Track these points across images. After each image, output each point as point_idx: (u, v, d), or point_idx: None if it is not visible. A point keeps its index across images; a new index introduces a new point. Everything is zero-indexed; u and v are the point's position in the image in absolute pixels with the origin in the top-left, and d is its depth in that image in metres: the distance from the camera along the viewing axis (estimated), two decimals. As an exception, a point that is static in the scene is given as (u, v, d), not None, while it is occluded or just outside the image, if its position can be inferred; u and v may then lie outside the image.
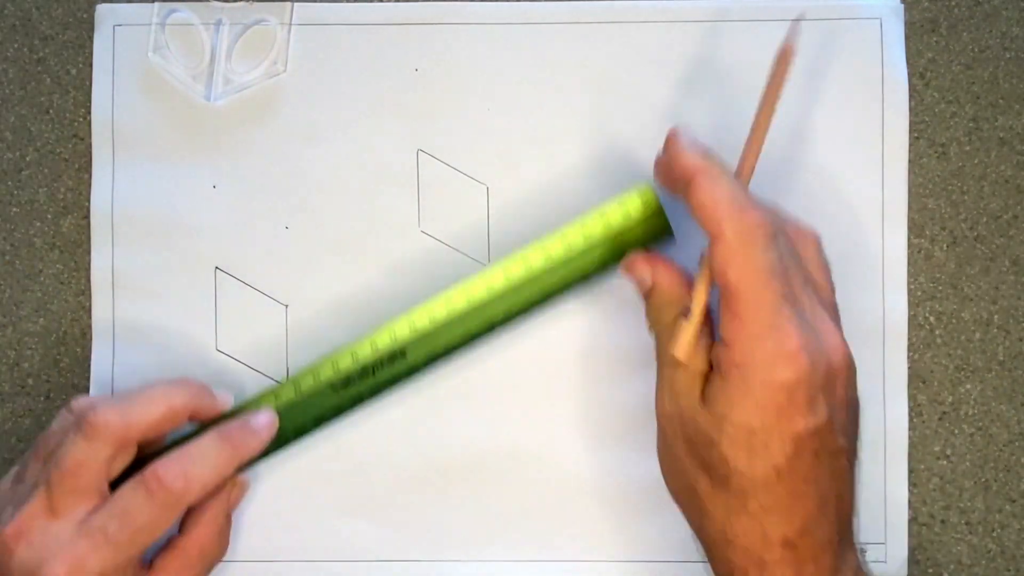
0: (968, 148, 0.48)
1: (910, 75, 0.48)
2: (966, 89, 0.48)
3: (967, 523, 0.48)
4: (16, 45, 0.49)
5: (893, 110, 0.48)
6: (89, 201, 0.48)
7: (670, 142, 0.40)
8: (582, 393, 0.47)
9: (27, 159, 0.49)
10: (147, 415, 0.40)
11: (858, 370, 0.47)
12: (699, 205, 0.38)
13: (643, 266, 0.42)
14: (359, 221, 0.48)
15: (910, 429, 0.48)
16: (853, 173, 0.48)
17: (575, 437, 0.47)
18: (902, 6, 0.48)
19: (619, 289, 0.47)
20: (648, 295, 0.42)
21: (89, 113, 0.48)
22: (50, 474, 0.39)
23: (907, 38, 0.48)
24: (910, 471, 0.48)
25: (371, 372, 0.44)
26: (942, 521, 0.48)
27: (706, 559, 0.41)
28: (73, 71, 0.49)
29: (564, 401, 0.47)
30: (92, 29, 0.49)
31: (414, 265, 0.48)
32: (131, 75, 0.48)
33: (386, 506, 0.47)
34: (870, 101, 0.48)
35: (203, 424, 0.43)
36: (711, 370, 0.39)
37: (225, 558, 0.47)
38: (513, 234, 0.48)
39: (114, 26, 0.48)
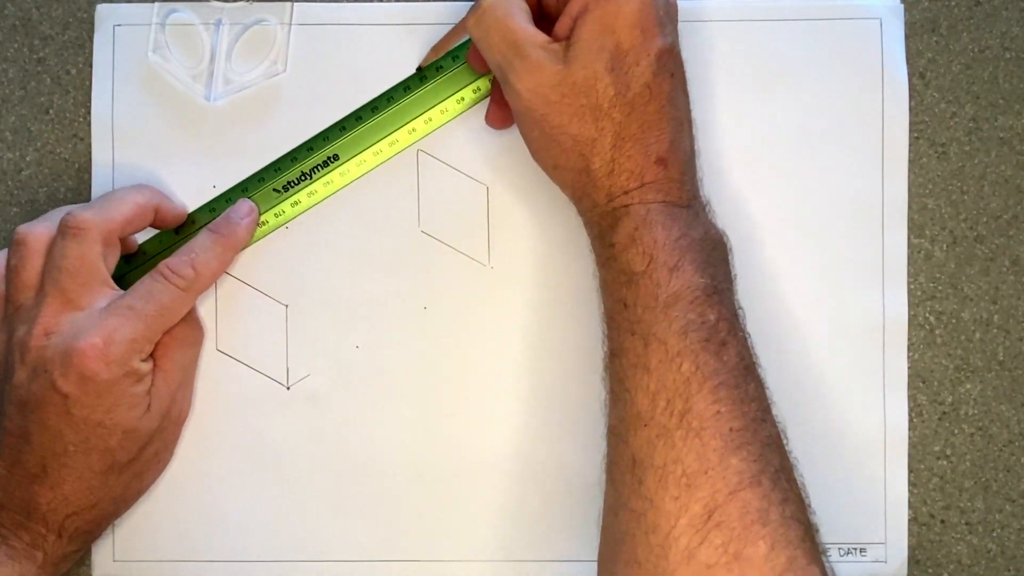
0: (968, 148, 0.48)
1: (910, 75, 0.48)
2: (966, 89, 0.48)
3: (967, 523, 0.48)
4: (16, 45, 0.49)
5: (893, 110, 0.48)
6: (89, 201, 0.48)
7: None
8: (582, 393, 0.47)
9: (27, 159, 0.49)
10: (120, 211, 0.44)
11: (858, 370, 0.48)
12: None
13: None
14: (359, 221, 0.48)
15: (910, 429, 0.48)
16: (853, 173, 0.48)
17: (575, 437, 0.47)
18: (902, 6, 0.48)
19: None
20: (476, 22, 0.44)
21: (89, 113, 0.48)
22: (56, 277, 0.42)
23: (907, 38, 0.48)
24: (910, 471, 0.48)
25: (309, 175, 0.47)
26: (942, 521, 0.48)
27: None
28: (73, 71, 0.49)
29: (563, 401, 0.47)
30: (92, 29, 0.49)
31: (414, 265, 0.48)
32: (131, 75, 0.48)
33: (386, 506, 0.47)
34: (870, 101, 0.48)
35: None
36: (553, 39, 0.42)
37: (225, 558, 0.47)
38: (513, 234, 0.48)
39: (114, 26, 0.48)
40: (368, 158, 0.47)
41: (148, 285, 0.43)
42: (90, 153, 0.48)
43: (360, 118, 0.47)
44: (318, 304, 0.48)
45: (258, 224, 0.47)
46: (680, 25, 0.48)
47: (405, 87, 0.47)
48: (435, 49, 0.47)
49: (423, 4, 0.48)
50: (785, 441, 0.41)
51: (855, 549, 0.47)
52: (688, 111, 0.43)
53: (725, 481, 0.38)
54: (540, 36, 0.42)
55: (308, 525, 0.47)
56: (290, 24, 0.48)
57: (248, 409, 0.48)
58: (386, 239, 0.48)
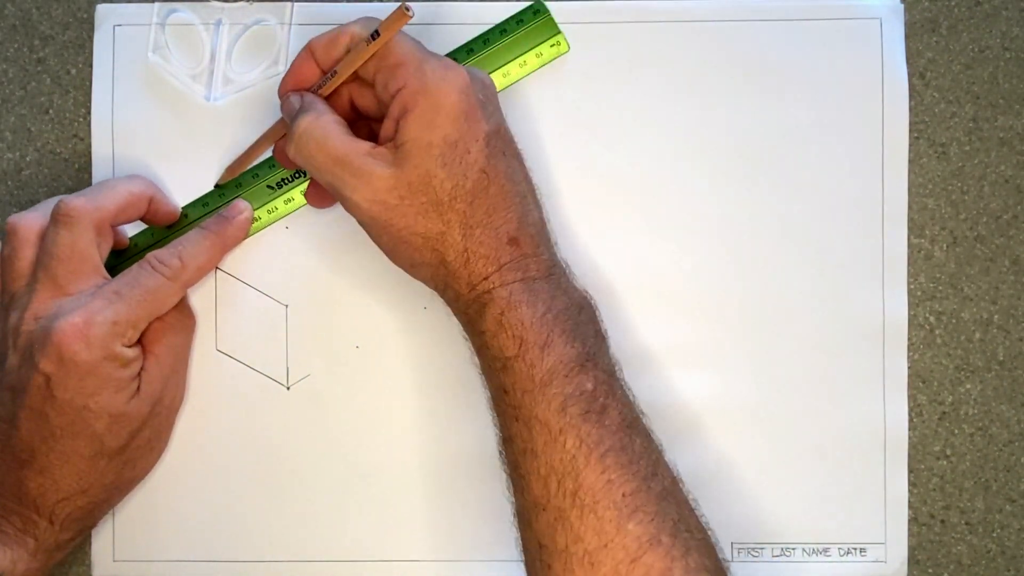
0: (968, 148, 0.48)
1: (910, 75, 0.48)
2: (966, 89, 0.48)
3: (967, 523, 0.48)
4: (16, 45, 0.49)
5: (893, 110, 0.48)
6: (89, 201, 0.48)
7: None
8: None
9: (27, 159, 0.49)
10: (113, 199, 0.44)
11: (858, 370, 0.47)
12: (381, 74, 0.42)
13: (288, 98, 0.44)
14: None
15: (910, 429, 0.48)
16: (853, 173, 0.48)
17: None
18: (902, 6, 0.48)
19: (624, 287, 0.47)
20: (290, 115, 0.44)
21: (89, 113, 0.48)
22: (47, 264, 0.42)
23: (907, 38, 0.48)
24: (910, 471, 0.48)
25: (302, 173, 0.47)
26: (942, 521, 0.48)
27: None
28: (73, 71, 0.49)
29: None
30: (92, 29, 0.49)
31: (414, 265, 0.48)
32: (131, 75, 0.48)
33: (386, 506, 0.47)
34: (870, 101, 0.48)
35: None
36: (376, 143, 0.42)
37: (225, 558, 0.47)
38: (513, 234, 0.48)
39: (114, 26, 0.48)
40: None
41: (135, 272, 0.43)
42: (90, 153, 0.48)
43: None
44: (318, 304, 0.48)
45: (252, 221, 0.47)
46: (680, 25, 0.48)
47: None
48: (230, 169, 0.47)
49: (423, 4, 0.48)
50: (681, 484, 0.41)
51: (855, 549, 0.47)
52: (528, 182, 0.43)
53: (625, 551, 0.38)
54: (363, 145, 0.42)
55: (308, 525, 0.47)
56: (290, 24, 0.48)
57: (248, 409, 0.48)
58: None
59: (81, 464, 0.43)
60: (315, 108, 0.42)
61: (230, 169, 0.47)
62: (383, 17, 0.41)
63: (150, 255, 0.44)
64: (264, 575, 0.47)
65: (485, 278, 0.41)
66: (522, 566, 0.45)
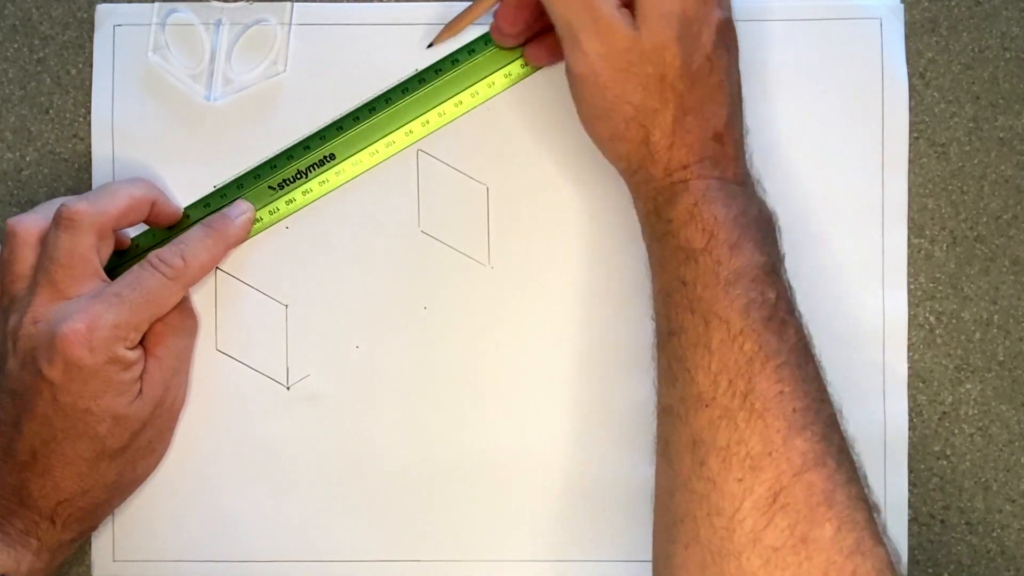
0: (968, 148, 0.48)
1: (910, 75, 0.48)
2: (966, 89, 0.48)
3: (967, 523, 0.48)
4: (16, 45, 0.49)
5: (893, 110, 0.48)
6: (89, 201, 0.48)
7: None
8: (581, 393, 0.47)
9: (27, 159, 0.49)
10: (115, 203, 0.44)
11: (858, 370, 0.47)
12: None
13: None
14: (359, 221, 0.48)
15: (910, 429, 0.48)
16: (853, 173, 0.48)
17: (574, 437, 0.47)
18: (902, 6, 0.48)
19: (619, 290, 0.47)
20: None
21: (89, 113, 0.48)
22: (48, 267, 0.42)
23: (907, 38, 0.48)
24: (910, 471, 0.48)
25: (304, 174, 0.47)
26: (942, 521, 0.48)
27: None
28: (73, 71, 0.49)
29: (563, 401, 0.47)
30: (92, 29, 0.49)
31: (414, 265, 0.48)
32: (131, 75, 0.48)
33: (386, 506, 0.47)
34: (870, 101, 0.48)
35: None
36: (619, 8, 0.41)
37: (225, 558, 0.47)
38: (513, 234, 0.48)
39: (114, 26, 0.48)
40: (364, 158, 0.47)
41: (136, 273, 0.43)
42: (90, 153, 0.48)
43: (358, 118, 0.47)
44: (318, 304, 0.48)
45: (253, 221, 0.47)
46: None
47: (403, 89, 0.47)
48: (450, 27, 0.47)
49: (423, 4, 0.48)
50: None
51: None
52: (740, 88, 0.43)
53: (790, 463, 0.38)
54: None
55: (308, 525, 0.47)
56: (290, 24, 0.48)
57: (248, 409, 0.48)
58: (386, 239, 0.48)
59: (82, 466, 0.43)
60: None
61: (449, 26, 0.47)
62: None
63: (152, 255, 0.44)
64: (264, 575, 0.47)
65: (685, 166, 0.41)
66: (522, 566, 0.45)
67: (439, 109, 0.47)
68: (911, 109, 0.48)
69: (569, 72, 0.42)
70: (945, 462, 0.48)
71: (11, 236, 0.43)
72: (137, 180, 0.46)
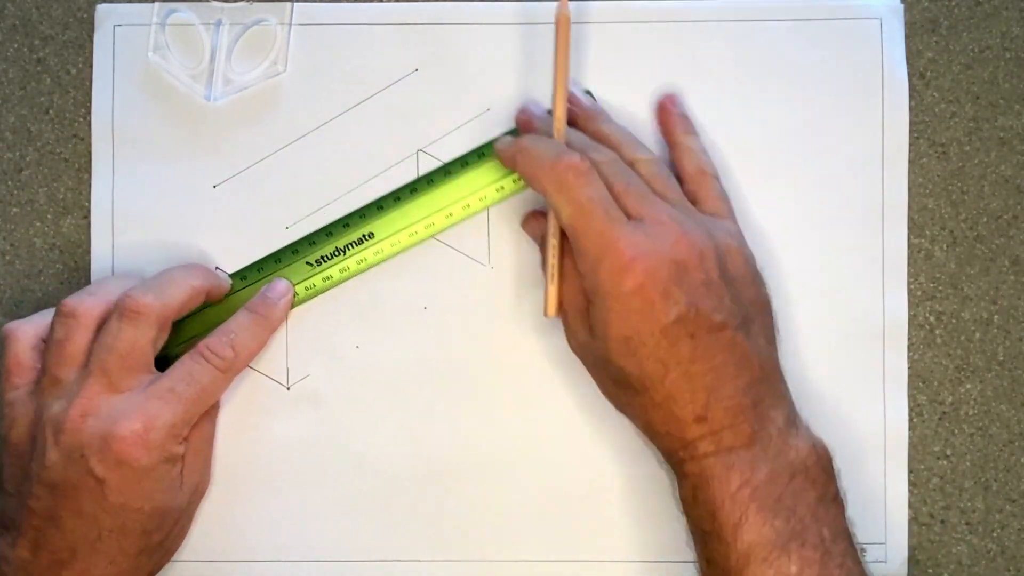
0: (968, 148, 0.48)
1: (910, 75, 0.48)
2: (966, 89, 0.48)
3: (967, 523, 0.48)
4: (16, 45, 0.49)
5: (893, 110, 0.48)
6: (89, 201, 0.48)
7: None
8: (581, 393, 0.47)
9: (27, 159, 0.49)
10: (177, 297, 0.43)
11: (858, 370, 0.47)
12: (522, 173, 0.44)
13: (535, 221, 0.47)
14: (359, 221, 0.48)
15: (910, 429, 0.48)
16: (853, 173, 0.48)
17: (574, 437, 0.47)
18: (902, 6, 0.48)
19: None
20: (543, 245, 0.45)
21: (89, 113, 0.48)
22: (103, 358, 0.41)
23: (907, 38, 0.48)
24: (910, 471, 0.48)
25: (343, 251, 0.47)
26: (942, 521, 0.48)
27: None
28: (73, 71, 0.49)
29: (563, 401, 0.47)
30: (92, 29, 0.49)
31: (414, 265, 0.48)
32: (131, 75, 0.48)
33: (386, 506, 0.47)
34: (870, 101, 0.48)
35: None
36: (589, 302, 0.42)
37: (225, 558, 0.47)
38: (513, 234, 0.48)
39: (114, 26, 0.48)
40: (403, 238, 0.47)
41: (188, 367, 0.43)
42: (90, 153, 0.48)
43: (399, 199, 0.47)
44: (318, 304, 0.48)
45: (292, 303, 0.47)
46: (680, 25, 0.48)
47: (446, 171, 0.47)
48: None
49: (423, 4, 0.48)
50: None
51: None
52: (738, 348, 0.41)
53: None
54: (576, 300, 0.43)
55: (308, 525, 0.47)
56: (290, 24, 0.48)
57: (248, 409, 0.48)
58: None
59: (125, 563, 0.42)
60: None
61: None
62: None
63: (202, 346, 0.43)
64: (263, 575, 0.47)
65: (674, 451, 0.41)
66: (522, 566, 0.45)
67: (480, 193, 0.47)
68: (911, 109, 0.48)
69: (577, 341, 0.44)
70: (945, 462, 0.48)
71: (69, 316, 0.42)
72: (194, 267, 0.46)
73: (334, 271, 0.47)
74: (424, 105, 0.48)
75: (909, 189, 0.48)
